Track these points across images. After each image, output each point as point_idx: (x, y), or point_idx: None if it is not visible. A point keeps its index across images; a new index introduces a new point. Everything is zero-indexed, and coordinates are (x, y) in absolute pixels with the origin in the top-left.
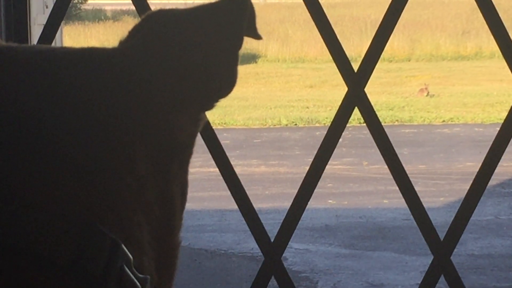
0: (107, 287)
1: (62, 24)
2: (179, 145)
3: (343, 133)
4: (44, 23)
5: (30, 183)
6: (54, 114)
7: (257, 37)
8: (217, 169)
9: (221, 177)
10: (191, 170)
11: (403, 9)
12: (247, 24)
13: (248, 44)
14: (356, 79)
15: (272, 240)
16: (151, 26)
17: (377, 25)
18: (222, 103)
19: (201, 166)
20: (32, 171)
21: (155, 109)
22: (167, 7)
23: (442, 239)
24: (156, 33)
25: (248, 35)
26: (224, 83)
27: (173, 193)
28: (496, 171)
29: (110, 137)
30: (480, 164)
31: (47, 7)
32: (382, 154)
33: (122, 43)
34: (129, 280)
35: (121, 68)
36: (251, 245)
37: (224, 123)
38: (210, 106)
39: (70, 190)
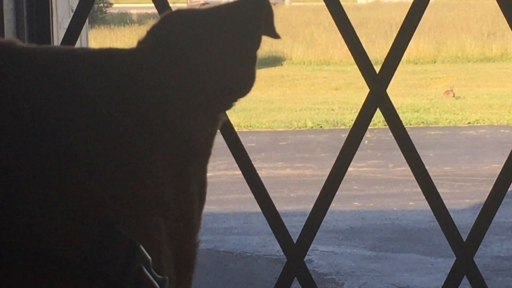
0: None
1: (87, 28)
2: (197, 145)
3: (368, 135)
4: None
5: (48, 185)
6: (72, 115)
7: (275, 36)
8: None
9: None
10: (216, 173)
11: (424, 10)
12: (264, 24)
13: (273, 47)
14: (378, 80)
15: (295, 242)
16: (169, 27)
17: None
18: (248, 106)
19: (226, 169)
20: (50, 173)
21: (173, 110)
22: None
23: (465, 240)
24: (173, 33)
25: (266, 35)
26: (242, 83)
27: (191, 194)
28: None
29: (127, 138)
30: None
31: (72, 11)
32: (404, 155)
33: (140, 43)
34: (147, 281)
35: (139, 68)
36: (277, 248)
37: (250, 126)
38: (228, 106)
39: (88, 191)
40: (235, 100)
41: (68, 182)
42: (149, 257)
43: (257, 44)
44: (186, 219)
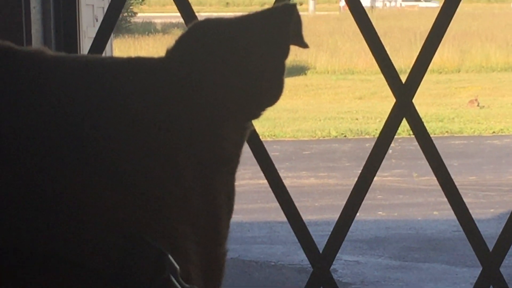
0: None
1: (112, 37)
2: (226, 154)
3: (392, 145)
4: (94, 36)
5: (77, 194)
6: (101, 124)
7: (304, 45)
8: (266, 181)
9: (270, 189)
10: (241, 182)
11: (451, 20)
12: (293, 33)
13: (297, 56)
14: (404, 90)
15: (320, 251)
16: (198, 35)
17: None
18: (272, 115)
19: (250, 178)
20: (78, 181)
21: (202, 119)
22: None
23: (491, 250)
24: (202, 42)
25: (295, 44)
26: (271, 92)
27: (219, 203)
28: None
29: (156, 147)
30: None
31: (97, 20)
32: (430, 165)
33: (169, 52)
34: None
35: (168, 77)
36: (301, 257)
37: (274, 135)
38: (256, 115)
39: (116, 200)
40: (264, 109)
41: (96, 192)
42: (177, 266)
43: (285, 53)
44: (214, 228)
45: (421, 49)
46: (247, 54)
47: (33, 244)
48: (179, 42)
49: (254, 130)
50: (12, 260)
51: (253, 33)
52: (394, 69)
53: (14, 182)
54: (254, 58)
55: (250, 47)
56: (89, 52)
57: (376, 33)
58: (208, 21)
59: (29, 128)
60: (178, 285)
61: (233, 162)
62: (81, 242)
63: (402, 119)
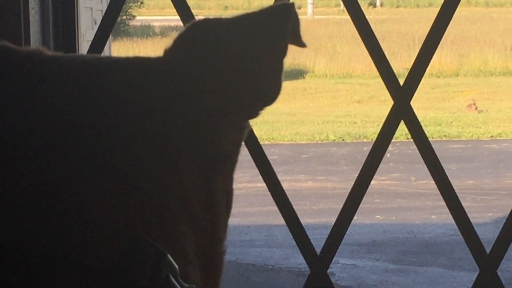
0: None
1: (110, 40)
2: (224, 153)
3: (390, 149)
4: (92, 38)
5: (76, 193)
6: (101, 124)
7: (302, 45)
8: (264, 184)
9: (268, 192)
10: (239, 185)
11: (448, 23)
12: (291, 32)
13: (296, 60)
14: (402, 92)
15: (318, 254)
16: (196, 35)
17: None
18: (270, 118)
19: (248, 181)
20: (78, 181)
21: (200, 118)
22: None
23: (488, 253)
24: (200, 42)
25: (293, 43)
26: (269, 91)
27: (217, 202)
28: None
29: (156, 147)
30: None
31: (95, 23)
32: (428, 168)
33: (167, 52)
34: None
35: (167, 77)
36: (299, 260)
37: (272, 139)
38: (254, 114)
39: (116, 200)
40: (262, 109)
41: (97, 193)
42: (176, 265)
43: (283, 52)
44: (212, 228)
45: (419, 51)
46: (245, 53)
47: (34, 244)
48: (177, 41)
49: (253, 133)
50: (13, 260)
51: (251, 33)
52: (392, 71)
53: (14, 183)
54: (252, 57)
55: (248, 46)
56: (88, 53)
57: (374, 36)
58: (206, 21)
59: (28, 128)
60: (177, 285)
61: (231, 161)
62: (82, 242)
63: (400, 122)
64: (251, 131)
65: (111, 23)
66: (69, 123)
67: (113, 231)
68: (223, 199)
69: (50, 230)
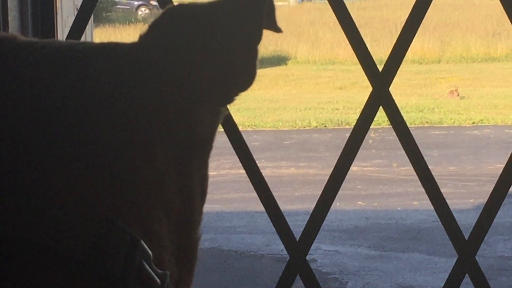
0: (126, 283)
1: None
2: (199, 138)
3: (372, 135)
4: None
5: (50, 178)
6: (73, 108)
7: (277, 30)
8: None
9: None
10: (221, 172)
11: (427, 8)
12: (266, 17)
13: (278, 46)
14: (380, 78)
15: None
16: (171, 20)
17: None
18: (252, 105)
19: (230, 168)
20: (51, 166)
21: (175, 102)
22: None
23: (467, 239)
24: (175, 27)
25: (268, 28)
26: (244, 76)
27: (193, 187)
28: None
29: (130, 131)
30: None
31: (77, 9)
32: (407, 154)
33: (142, 37)
34: (148, 276)
35: (141, 62)
36: (281, 247)
37: (254, 125)
38: (229, 100)
39: (89, 185)
40: (237, 94)
41: (69, 177)
42: (150, 251)
43: (258, 38)
44: (187, 213)
45: (398, 38)
46: (219, 38)
47: (4, 229)
48: (152, 27)
49: (232, 120)
50: None
51: (226, 18)
52: (371, 57)
53: None
54: (227, 42)
55: (222, 31)
56: (67, 39)
57: (353, 22)
58: (181, 6)
59: (0, 113)
60: (151, 271)
61: (207, 146)
62: (54, 227)
63: (378, 108)
64: (230, 117)
65: (90, 8)
66: (42, 108)
67: (85, 216)
68: (198, 184)
69: (22, 215)
